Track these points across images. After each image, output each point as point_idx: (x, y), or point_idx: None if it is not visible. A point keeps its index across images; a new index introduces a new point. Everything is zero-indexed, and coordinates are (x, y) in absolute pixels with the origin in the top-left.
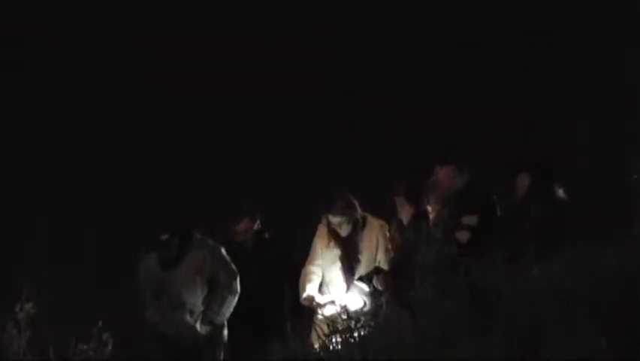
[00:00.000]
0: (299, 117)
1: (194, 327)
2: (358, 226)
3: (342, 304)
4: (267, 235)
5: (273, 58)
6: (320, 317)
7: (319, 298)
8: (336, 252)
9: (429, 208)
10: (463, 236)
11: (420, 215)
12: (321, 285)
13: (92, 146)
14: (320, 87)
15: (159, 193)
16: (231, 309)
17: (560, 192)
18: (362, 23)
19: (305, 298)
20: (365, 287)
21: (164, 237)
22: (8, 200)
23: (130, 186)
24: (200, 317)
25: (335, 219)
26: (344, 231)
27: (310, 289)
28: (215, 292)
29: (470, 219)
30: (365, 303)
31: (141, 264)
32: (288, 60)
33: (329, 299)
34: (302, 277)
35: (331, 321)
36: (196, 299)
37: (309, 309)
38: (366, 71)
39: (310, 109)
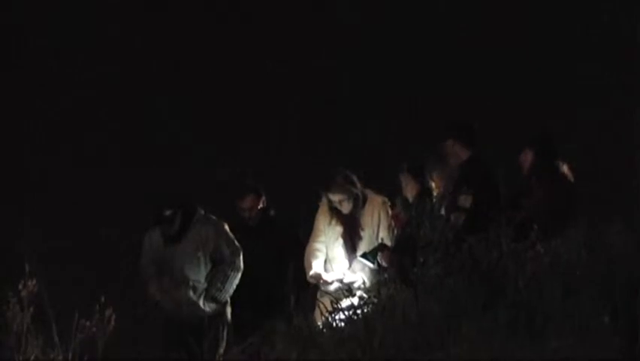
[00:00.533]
0: (302, 94)
1: (196, 303)
2: (359, 203)
3: (347, 281)
4: (272, 213)
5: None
6: (324, 294)
7: (326, 276)
8: (338, 229)
9: (432, 185)
10: (459, 217)
11: (425, 192)
12: (324, 262)
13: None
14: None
15: (163, 169)
16: (234, 286)
17: (564, 168)
18: None
19: (312, 276)
20: (369, 264)
21: (168, 212)
22: (10, 174)
23: (132, 160)
24: (203, 294)
25: (335, 197)
26: (345, 208)
27: (316, 267)
28: (219, 269)
29: (465, 201)
30: (368, 280)
31: (145, 238)
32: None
33: (335, 277)
34: (306, 254)
35: (335, 298)
36: (199, 275)
37: (313, 286)
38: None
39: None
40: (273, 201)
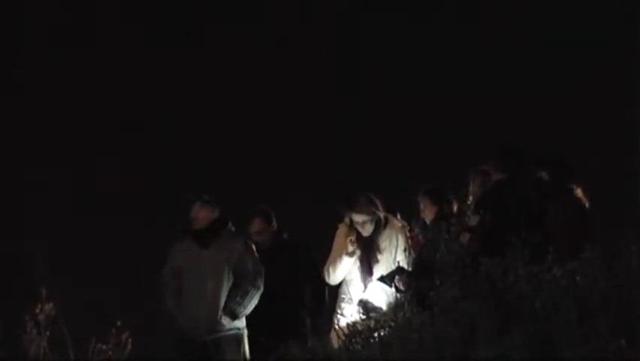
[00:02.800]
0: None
1: (214, 318)
2: (380, 226)
3: (365, 299)
4: (285, 236)
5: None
6: (340, 317)
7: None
8: (357, 251)
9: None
10: (464, 237)
11: (442, 216)
12: (340, 284)
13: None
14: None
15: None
16: (253, 305)
17: (579, 192)
18: None
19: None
20: (386, 287)
21: (208, 198)
22: (27, 199)
23: (146, 187)
24: (221, 308)
25: (358, 218)
26: (367, 231)
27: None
28: (241, 284)
29: (472, 220)
30: (384, 303)
31: (173, 248)
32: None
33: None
34: (334, 272)
35: (352, 321)
36: (221, 287)
37: (329, 309)
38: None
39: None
40: (287, 226)
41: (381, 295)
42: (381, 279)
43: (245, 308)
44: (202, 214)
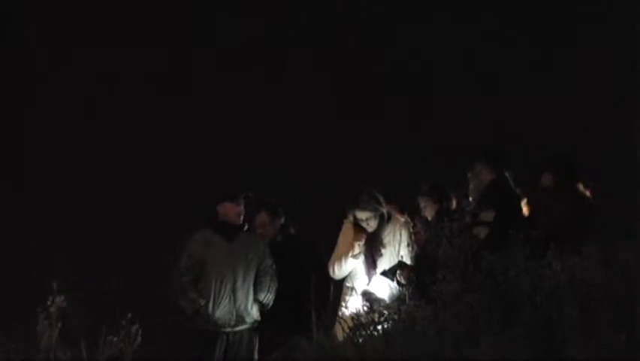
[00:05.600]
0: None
1: (246, 310)
2: (384, 221)
3: (368, 291)
4: (292, 231)
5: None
6: (344, 310)
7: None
8: (362, 254)
9: (453, 204)
10: (482, 232)
11: (443, 212)
12: (344, 277)
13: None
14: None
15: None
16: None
17: (582, 189)
18: None
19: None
20: (389, 281)
21: (243, 195)
22: (42, 194)
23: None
24: (250, 301)
25: (362, 215)
26: (371, 227)
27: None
28: (265, 278)
29: (487, 216)
30: (387, 297)
31: (191, 239)
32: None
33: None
34: (339, 268)
35: (356, 315)
36: (250, 278)
37: (334, 303)
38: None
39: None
40: (295, 220)
41: (385, 288)
42: (384, 273)
43: (270, 300)
44: (234, 210)
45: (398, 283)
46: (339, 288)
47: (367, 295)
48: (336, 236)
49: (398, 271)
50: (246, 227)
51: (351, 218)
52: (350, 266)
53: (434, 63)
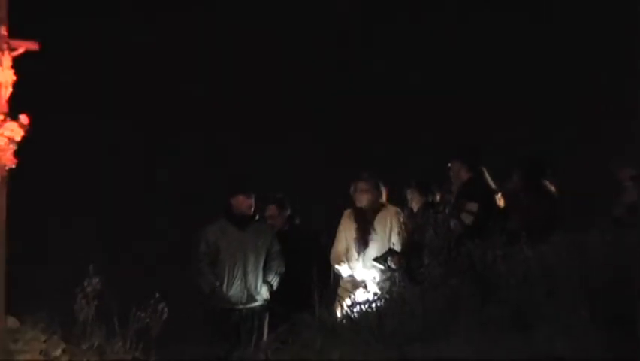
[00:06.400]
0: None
1: (256, 289)
2: (376, 201)
3: (359, 278)
4: (297, 221)
5: None
6: (343, 290)
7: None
8: (355, 227)
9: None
10: (468, 219)
11: (428, 204)
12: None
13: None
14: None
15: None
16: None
17: (548, 185)
18: None
19: (345, 280)
20: (380, 266)
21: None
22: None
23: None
24: (260, 281)
25: (364, 185)
26: (363, 200)
27: (344, 271)
28: (273, 262)
29: (472, 206)
30: (378, 278)
31: (208, 229)
32: None
33: (348, 273)
34: (333, 258)
35: (352, 294)
36: (259, 262)
37: (334, 284)
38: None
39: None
40: (300, 212)
41: (371, 273)
42: (376, 259)
43: (277, 281)
44: (245, 202)
45: (389, 268)
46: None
47: (351, 280)
48: (336, 226)
49: (389, 258)
50: (257, 217)
51: (347, 212)
52: (341, 244)
53: (422, 67)
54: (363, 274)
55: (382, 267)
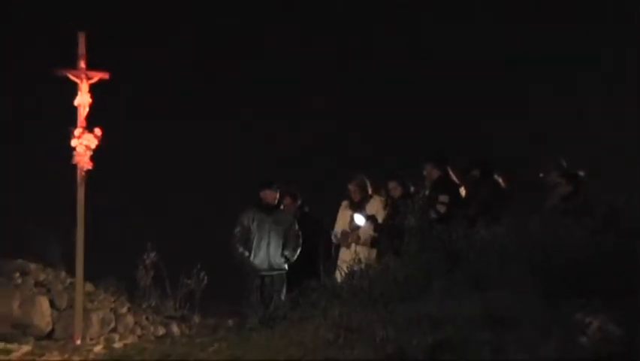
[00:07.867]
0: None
1: (280, 259)
2: (366, 196)
3: (345, 229)
4: (306, 209)
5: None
6: (342, 262)
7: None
8: (350, 214)
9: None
10: (442, 208)
11: (407, 195)
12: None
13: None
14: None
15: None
16: (297, 255)
17: (500, 180)
18: None
19: (336, 234)
20: (363, 218)
21: (275, 186)
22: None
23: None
24: (281, 254)
25: (354, 187)
26: (356, 196)
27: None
28: (291, 241)
29: (444, 198)
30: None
31: (244, 214)
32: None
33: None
34: (335, 236)
35: (350, 265)
36: (279, 240)
37: (335, 257)
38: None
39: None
40: (309, 202)
41: (361, 219)
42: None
43: (293, 257)
44: (271, 195)
45: (369, 217)
46: (337, 248)
47: (344, 233)
48: (336, 213)
49: (370, 220)
50: (281, 207)
51: (345, 203)
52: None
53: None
54: (359, 219)
55: (364, 219)
